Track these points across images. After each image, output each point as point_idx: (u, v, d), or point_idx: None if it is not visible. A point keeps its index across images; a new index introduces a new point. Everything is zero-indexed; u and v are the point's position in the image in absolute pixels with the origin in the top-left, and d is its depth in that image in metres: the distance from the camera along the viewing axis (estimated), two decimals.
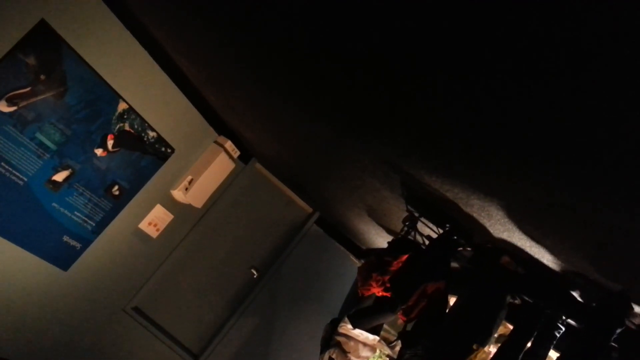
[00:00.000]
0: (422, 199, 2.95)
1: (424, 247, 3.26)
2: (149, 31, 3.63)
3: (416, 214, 3.25)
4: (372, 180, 3.19)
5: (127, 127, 4.09)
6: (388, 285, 3.00)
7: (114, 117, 3.98)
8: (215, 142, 4.85)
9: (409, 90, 1.85)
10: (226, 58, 3.08)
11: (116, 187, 4.22)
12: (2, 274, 3.77)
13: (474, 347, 2.64)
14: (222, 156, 4.77)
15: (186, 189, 4.61)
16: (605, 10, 0.96)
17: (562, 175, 1.65)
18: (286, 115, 3.36)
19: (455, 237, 2.98)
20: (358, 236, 5.30)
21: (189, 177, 4.65)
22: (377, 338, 3.71)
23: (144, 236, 4.61)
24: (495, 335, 2.83)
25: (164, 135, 4.40)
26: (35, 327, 4.13)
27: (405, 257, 3.05)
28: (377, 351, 3.86)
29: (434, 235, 3.26)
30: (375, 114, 2.30)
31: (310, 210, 5.67)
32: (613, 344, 2.34)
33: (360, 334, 3.58)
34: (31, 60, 3.39)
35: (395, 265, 3.05)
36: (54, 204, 3.85)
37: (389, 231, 4.09)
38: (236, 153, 4.97)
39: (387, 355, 3.88)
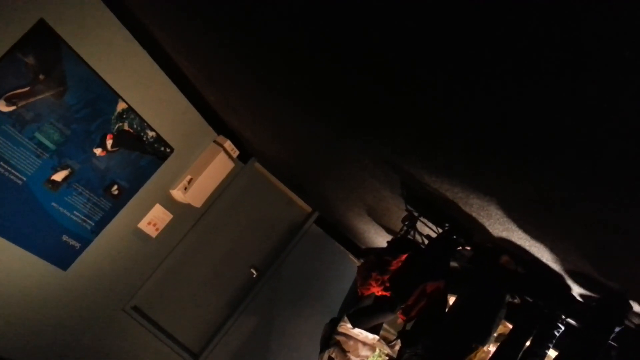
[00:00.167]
0: (422, 198, 2.95)
1: (423, 247, 3.26)
2: (149, 31, 3.63)
3: (416, 214, 3.25)
4: (371, 180, 3.19)
5: (126, 127, 4.09)
6: (387, 284, 3.01)
7: (113, 117, 3.98)
8: (215, 141, 4.85)
9: (409, 90, 1.86)
10: (226, 58, 3.08)
11: (115, 187, 4.22)
12: (2, 273, 3.77)
13: (474, 346, 2.64)
14: (222, 156, 4.77)
15: (185, 188, 4.60)
16: (605, 10, 0.96)
17: (561, 175, 1.65)
18: (286, 115, 3.36)
19: (454, 237, 2.98)
20: (357, 236, 5.31)
21: (188, 177, 4.65)
22: (377, 337, 3.72)
23: (143, 236, 4.61)
24: (495, 334, 2.83)
25: (163, 134, 4.40)
26: (35, 326, 4.12)
27: (404, 256, 3.06)
28: (377, 350, 3.87)
29: (434, 235, 3.26)
30: (375, 113, 2.30)
31: (309, 209, 5.67)
32: (612, 343, 2.35)
33: (360, 333, 3.59)
34: (30, 60, 3.38)
35: (395, 264, 3.05)
36: (53, 204, 3.85)
37: (389, 231, 4.10)
38: (235, 153, 4.97)
39: (387, 355, 3.88)
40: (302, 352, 5.45)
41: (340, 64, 2.05)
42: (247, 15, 2.24)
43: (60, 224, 3.96)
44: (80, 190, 3.97)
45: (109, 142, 4.03)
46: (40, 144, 3.60)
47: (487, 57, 1.34)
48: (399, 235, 3.51)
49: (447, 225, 3.04)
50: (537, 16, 1.09)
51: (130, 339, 4.78)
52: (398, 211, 3.41)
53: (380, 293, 3.09)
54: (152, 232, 4.66)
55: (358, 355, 3.62)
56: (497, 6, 1.14)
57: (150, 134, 4.29)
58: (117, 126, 4.03)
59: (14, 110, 3.40)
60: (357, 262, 5.40)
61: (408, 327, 3.01)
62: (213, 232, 5.17)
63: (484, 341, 2.68)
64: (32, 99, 3.47)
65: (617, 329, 2.31)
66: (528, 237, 2.34)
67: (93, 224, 4.18)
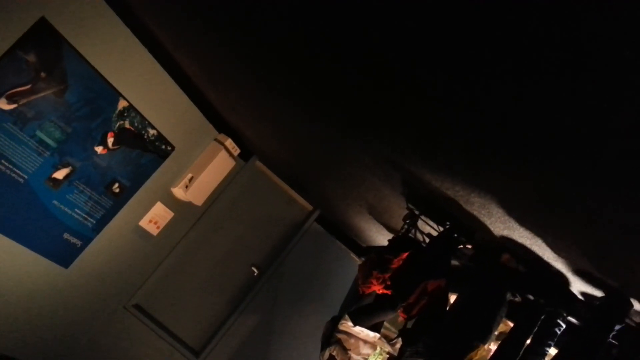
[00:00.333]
0: (423, 197, 2.95)
1: (424, 245, 3.26)
2: (149, 29, 3.63)
3: (417, 212, 3.25)
4: (372, 179, 3.19)
5: (127, 125, 4.09)
6: (388, 283, 3.01)
7: (114, 115, 3.98)
8: (216, 139, 4.85)
9: (409, 90, 1.85)
10: (226, 57, 3.08)
11: (116, 185, 4.22)
12: (3, 271, 3.78)
13: (475, 344, 2.64)
14: (223, 154, 4.77)
15: (186, 186, 4.61)
16: (606, 10, 0.96)
17: (562, 174, 1.65)
18: (286, 114, 3.36)
19: (455, 235, 2.98)
20: (358, 234, 5.31)
21: (190, 175, 4.65)
22: (378, 335, 3.72)
23: (144, 234, 4.62)
24: (496, 332, 2.83)
25: (164, 133, 4.40)
26: (36, 324, 4.13)
27: (405, 254, 3.06)
28: (378, 348, 3.87)
29: (435, 233, 3.26)
30: (375, 113, 2.30)
31: (310, 208, 5.67)
32: (613, 341, 2.35)
33: (361, 331, 3.59)
34: (31, 58, 3.38)
35: (396, 263, 3.05)
36: (54, 202, 3.85)
37: (390, 229, 4.10)
38: (236, 151, 4.97)
39: (388, 353, 3.89)
40: (303, 350, 5.46)
41: (341, 63, 2.05)
42: (247, 15, 2.24)
43: (61, 222, 3.97)
44: (81, 188, 3.97)
45: (110, 140, 4.03)
46: (41, 142, 3.61)
47: (487, 57, 1.34)
48: (400, 234, 3.51)
49: (448, 223, 3.04)
50: (537, 16, 1.09)
51: (132, 336, 4.79)
52: (399, 209, 3.41)
53: (381, 291, 3.09)
54: (153, 230, 4.67)
55: (359, 353, 3.62)
56: (497, 6, 1.14)
57: (152, 132, 4.30)
58: (118, 124, 4.03)
59: (15, 108, 3.41)
60: (358, 261, 5.40)
61: (409, 325, 3.01)
62: (214, 230, 5.18)
63: (485, 339, 2.68)
64: (33, 97, 3.47)
65: (617, 327, 2.31)
66: (529, 236, 2.34)
67: (94, 222, 4.18)
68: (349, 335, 3.61)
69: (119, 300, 4.69)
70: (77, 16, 3.50)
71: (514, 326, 2.89)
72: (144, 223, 4.58)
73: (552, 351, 2.74)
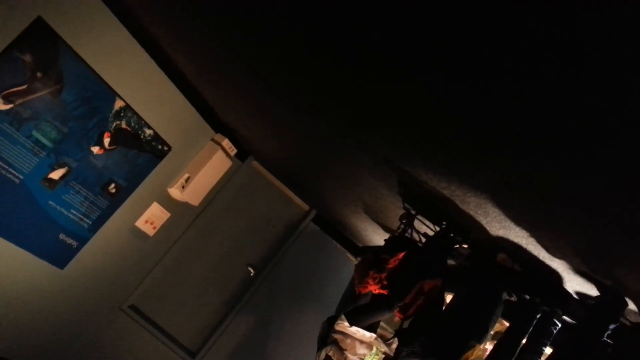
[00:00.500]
0: (419, 196, 2.96)
1: (420, 245, 3.27)
2: (147, 29, 3.62)
3: (413, 212, 3.26)
4: (369, 178, 3.20)
5: (123, 125, 4.09)
6: (385, 282, 3.01)
7: (110, 115, 3.97)
8: (212, 139, 4.85)
9: (408, 90, 1.86)
10: (225, 57, 3.08)
11: (113, 185, 4.22)
12: None
13: (471, 344, 2.65)
14: (219, 154, 4.76)
15: (183, 186, 4.60)
16: (606, 10, 0.97)
17: (559, 174, 1.67)
18: (284, 114, 3.37)
19: (451, 235, 2.99)
20: (355, 234, 5.32)
21: (186, 175, 4.64)
22: (374, 335, 3.73)
23: (140, 234, 4.61)
24: (492, 332, 2.84)
25: (160, 133, 4.40)
26: (31, 325, 4.12)
27: (402, 254, 3.06)
28: (374, 348, 3.88)
29: (431, 233, 3.27)
30: (374, 113, 2.30)
31: (307, 208, 5.68)
32: (607, 340, 2.36)
33: (357, 331, 3.60)
34: (28, 58, 3.38)
35: (392, 262, 3.06)
36: (50, 202, 3.84)
37: (386, 229, 4.11)
38: (233, 151, 4.97)
39: (384, 353, 3.89)
40: (300, 350, 5.46)
41: (340, 63, 2.05)
42: (247, 15, 2.24)
43: (57, 223, 3.95)
44: (77, 188, 3.96)
45: (107, 140, 4.02)
46: (37, 142, 3.60)
47: (487, 57, 1.35)
48: (396, 234, 3.52)
49: (444, 223, 3.05)
50: (537, 16, 1.10)
51: (128, 337, 4.78)
52: (396, 209, 3.42)
53: (377, 291, 3.09)
54: (150, 230, 4.66)
55: (355, 354, 3.63)
56: (497, 6, 1.15)
57: (148, 132, 4.29)
58: (114, 124, 4.02)
59: (11, 109, 3.40)
60: (354, 261, 5.40)
61: (405, 325, 3.02)
62: (211, 230, 5.17)
63: (481, 339, 2.70)
64: (29, 97, 3.46)
65: (612, 327, 2.32)
66: (525, 235, 2.36)
67: (90, 223, 4.17)
68: (345, 335, 3.62)
69: (115, 301, 4.68)
70: (74, 16, 3.50)
71: (510, 325, 2.90)
72: (140, 223, 4.57)
73: (548, 350, 2.75)
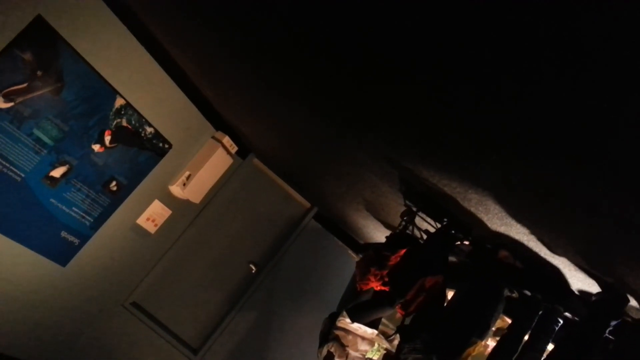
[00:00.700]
0: (420, 193, 2.96)
1: (422, 242, 3.27)
2: (147, 27, 3.62)
3: (414, 209, 3.26)
4: (370, 175, 3.20)
5: (124, 123, 4.09)
6: (386, 279, 3.02)
7: (111, 113, 3.98)
8: (213, 137, 4.85)
9: (408, 89, 1.86)
10: (225, 56, 3.08)
11: (114, 183, 4.22)
12: (1, 270, 3.77)
13: (472, 340, 2.66)
14: (220, 151, 4.77)
15: (184, 184, 4.61)
16: (606, 10, 0.96)
17: (559, 172, 1.66)
18: (285, 112, 3.37)
19: (453, 232, 2.99)
20: (356, 231, 5.32)
21: (187, 173, 4.65)
22: (376, 332, 3.74)
23: (142, 232, 4.62)
24: (493, 328, 2.85)
25: (161, 130, 4.40)
26: (33, 322, 4.13)
27: (403, 251, 3.07)
28: (375, 345, 3.89)
29: (432, 230, 3.27)
30: (375, 111, 2.30)
31: (308, 205, 5.68)
32: (609, 336, 2.36)
33: (359, 327, 3.61)
34: (28, 56, 3.38)
35: (394, 259, 3.06)
36: (51, 200, 3.85)
37: (387, 226, 4.11)
38: (234, 148, 4.97)
39: (385, 349, 3.90)
40: (301, 346, 5.47)
41: (340, 63, 2.05)
42: (247, 15, 2.24)
43: (58, 220, 3.97)
44: (78, 186, 3.97)
45: (107, 138, 4.03)
46: (38, 140, 3.60)
47: (487, 57, 1.35)
48: (397, 231, 3.51)
49: (445, 220, 3.05)
50: (536, 15, 1.10)
51: (130, 334, 4.80)
52: (397, 206, 3.42)
53: (379, 288, 3.10)
54: (151, 228, 4.67)
55: (357, 350, 3.64)
56: (496, 6, 1.14)
57: (149, 130, 4.29)
58: (115, 122, 4.03)
59: (12, 107, 3.40)
60: (355, 258, 5.42)
61: (407, 321, 3.02)
62: (212, 228, 5.18)
63: (482, 335, 2.70)
64: (29, 95, 3.46)
65: (613, 323, 2.32)
66: (526, 232, 2.36)
67: (92, 220, 4.18)
68: (347, 331, 3.63)
69: (117, 298, 4.69)
70: (73, 14, 3.50)
71: (512, 323, 2.90)
72: (141, 221, 4.58)
73: (550, 347, 2.76)
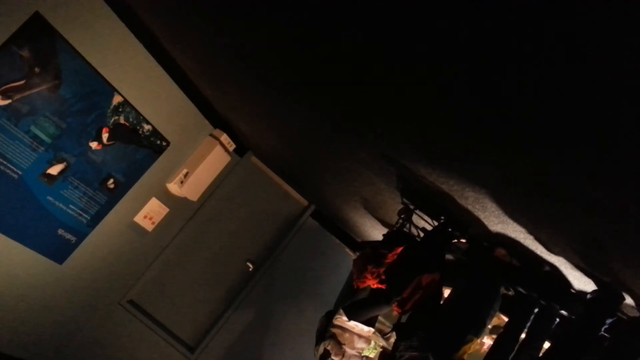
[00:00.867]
0: (418, 191, 2.96)
1: (419, 240, 3.27)
2: (145, 24, 3.62)
3: (411, 207, 3.27)
4: (368, 173, 3.20)
5: (122, 120, 4.09)
6: (383, 277, 3.02)
7: (109, 110, 3.97)
8: (211, 135, 4.85)
9: (407, 84, 1.86)
10: (223, 53, 3.08)
11: (111, 181, 4.22)
12: None
13: (468, 338, 2.66)
14: (218, 149, 4.77)
15: (182, 182, 4.61)
16: (606, 10, 0.97)
17: (556, 170, 1.67)
18: (283, 109, 3.37)
19: (450, 230, 3.00)
20: (353, 229, 5.32)
21: (185, 170, 4.65)
22: (372, 330, 3.74)
23: (139, 229, 4.61)
24: (489, 326, 2.85)
25: (159, 128, 4.40)
26: (30, 320, 4.13)
27: (400, 249, 3.07)
28: (372, 343, 3.89)
29: (429, 228, 3.28)
30: (373, 108, 2.30)
31: (305, 203, 5.68)
32: (604, 334, 2.37)
33: (355, 325, 3.61)
34: (25, 53, 3.37)
35: (391, 257, 3.06)
36: (48, 198, 3.85)
37: (385, 224, 4.11)
38: (232, 146, 4.97)
39: (382, 347, 3.90)
40: (298, 344, 5.48)
41: (339, 59, 2.05)
42: (245, 11, 2.24)
43: (55, 218, 3.96)
44: (76, 183, 3.97)
45: (105, 136, 4.03)
46: (35, 138, 3.60)
47: (487, 56, 1.35)
48: (394, 228, 3.52)
49: (442, 218, 3.05)
50: (535, 15, 1.10)
51: (127, 332, 4.79)
52: (394, 204, 3.42)
53: (375, 286, 3.10)
54: (148, 225, 4.67)
55: (353, 348, 3.64)
56: (495, 5, 1.15)
57: (146, 127, 4.29)
58: (112, 119, 4.02)
59: (9, 104, 3.40)
60: (353, 255, 5.42)
61: (403, 319, 3.03)
62: (209, 225, 5.18)
63: (478, 333, 2.70)
64: (27, 92, 3.46)
65: (609, 321, 2.33)
66: (523, 230, 2.36)
67: (89, 218, 4.18)
68: (344, 329, 3.64)
69: (114, 296, 4.69)
70: (71, 11, 3.49)
71: (508, 321, 2.91)
72: (138, 219, 4.57)
73: (546, 345, 2.76)
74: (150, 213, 4.63)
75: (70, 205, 4.00)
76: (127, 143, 4.20)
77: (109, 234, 4.39)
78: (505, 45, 1.27)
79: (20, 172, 3.61)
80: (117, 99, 3.98)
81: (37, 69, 3.45)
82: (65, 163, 3.84)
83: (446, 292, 3.09)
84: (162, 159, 4.53)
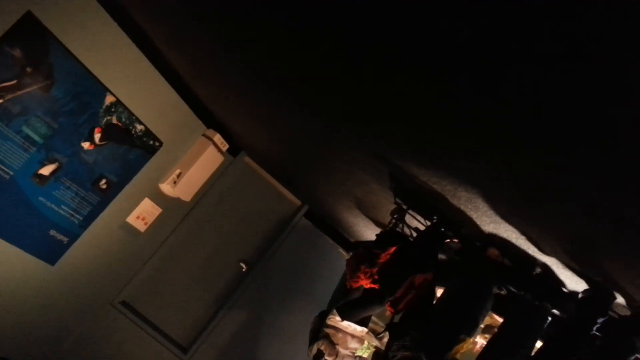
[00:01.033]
0: (411, 191, 2.97)
1: (411, 239, 3.28)
2: (138, 23, 3.61)
3: (404, 207, 3.28)
4: (361, 173, 3.21)
5: (114, 120, 4.07)
6: (376, 277, 3.02)
7: (101, 110, 3.96)
8: (204, 135, 4.84)
9: (407, 84, 1.86)
10: (217, 52, 3.07)
11: (104, 181, 4.20)
12: None
13: (461, 337, 2.67)
14: (211, 149, 4.76)
15: (174, 182, 4.59)
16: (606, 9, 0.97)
17: (554, 170, 1.68)
18: (277, 109, 3.36)
19: (442, 229, 3.01)
20: (347, 229, 5.33)
21: (178, 171, 4.63)
22: (365, 330, 3.74)
23: (132, 230, 4.60)
24: (482, 325, 2.86)
25: (151, 128, 4.38)
26: (22, 322, 4.10)
27: (393, 249, 3.07)
28: (365, 343, 3.89)
29: (422, 228, 3.28)
30: (367, 108, 2.31)
31: (299, 203, 5.68)
32: (596, 332, 2.39)
33: (349, 325, 3.61)
34: (17, 53, 3.35)
35: (384, 257, 3.07)
36: (40, 198, 3.82)
37: (378, 224, 4.12)
38: (225, 146, 4.96)
39: (375, 347, 3.91)
40: (292, 345, 5.47)
41: (336, 59, 2.05)
42: (240, 9, 2.23)
43: (47, 219, 3.94)
44: (68, 184, 3.95)
45: (97, 136, 4.01)
46: (27, 138, 3.58)
47: (487, 57, 1.36)
48: (387, 228, 3.53)
49: (435, 218, 3.06)
50: (533, 13, 1.10)
51: (119, 333, 4.77)
52: (387, 204, 3.43)
53: (368, 286, 3.11)
54: (141, 226, 4.65)
55: (347, 348, 3.65)
56: (495, 5, 1.15)
57: (139, 127, 4.28)
58: (105, 120, 4.01)
59: (0, 104, 3.38)
60: (346, 255, 5.42)
61: (396, 319, 3.03)
62: (202, 226, 5.17)
63: (471, 332, 2.71)
64: (19, 92, 3.44)
65: (600, 320, 2.35)
66: (514, 230, 2.37)
67: (81, 219, 4.16)
68: (337, 329, 3.64)
69: (107, 297, 4.67)
70: (63, 10, 3.48)
71: (503, 321, 2.91)
72: (131, 219, 4.56)
73: (538, 344, 2.77)
74: (142, 213, 4.62)
75: (62, 206, 3.98)
76: (119, 143, 4.19)
77: (101, 235, 4.37)
78: (505, 45, 1.27)
79: (11, 173, 3.59)
80: (109, 99, 3.97)
81: (28, 69, 3.43)
82: (57, 163, 3.82)
83: (439, 292, 3.10)
84: (154, 159, 4.51)
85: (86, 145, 3.96)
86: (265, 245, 5.50)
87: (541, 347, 2.60)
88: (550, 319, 2.73)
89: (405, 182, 2.86)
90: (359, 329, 3.66)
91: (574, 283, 2.48)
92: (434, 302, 2.96)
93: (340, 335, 3.61)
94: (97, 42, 3.72)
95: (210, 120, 4.88)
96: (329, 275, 5.54)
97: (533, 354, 2.64)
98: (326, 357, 3.59)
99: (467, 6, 1.22)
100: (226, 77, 3.46)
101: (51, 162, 3.78)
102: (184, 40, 3.31)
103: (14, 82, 3.39)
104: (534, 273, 2.65)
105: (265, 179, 5.51)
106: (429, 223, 3.16)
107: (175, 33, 3.30)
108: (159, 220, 4.77)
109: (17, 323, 4.06)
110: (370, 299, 3.13)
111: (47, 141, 3.69)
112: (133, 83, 4.08)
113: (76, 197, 4.05)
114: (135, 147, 4.32)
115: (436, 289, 3.03)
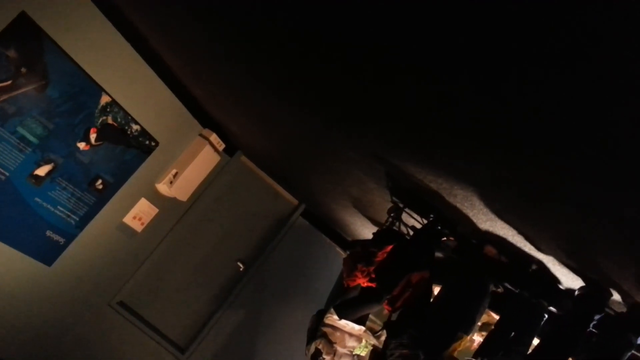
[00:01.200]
0: (407, 190, 2.98)
1: (408, 238, 3.29)
2: (133, 24, 3.60)
3: (401, 205, 3.28)
4: (357, 172, 3.21)
5: (110, 121, 4.06)
6: (373, 275, 3.03)
7: (96, 111, 3.94)
8: (200, 134, 4.83)
9: (406, 85, 1.86)
10: (213, 51, 3.06)
11: (100, 181, 4.19)
12: None
13: (458, 335, 2.68)
14: (207, 149, 4.75)
15: (171, 182, 4.59)
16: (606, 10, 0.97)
17: (549, 171, 1.68)
18: (273, 108, 3.36)
19: (439, 227, 3.01)
20: (344, 228, 5.33)
21: (174, 171, 4.62)
22: (363, 328, 3.74)
23: (128, 230, 4.59)
24: (479, 323, 2.87)
25: (147, 128, 4.37)
26: (19, 323, 4.09)
27: (390, 247, 3.08)
28: (363, 341, 3.89)
29: (419, 226, 3.29)
30: (364, 108, 2.31)
31: (296, 202, 5.68)
32: (592, 329, 2.39)
33: (346, 324, 3.61)
34: (12, 53, 3.34)
35: (380, 255, 3.08)
36: (36, 199, 3.81)
37: (374, 222, 4.12)
38: (221, 146, 4.95)
39: (373, 345, 3.91)
40: (289, 344, 5.48)
41: (334, 58, 2.04)
42: (236, 9, 2.23)
43: (44, 219, 3.92)
44: (64, 184, 3.93)
45: (93, 136, 4.00)
46: (22, 139, 3.56)
47: (487, 57, 1.36)
48: (384, 227, 3.53)
49: (431, 216, 3.07)
50: (534, 13, 1.10)
51: (117, 334, 4.77)
52: (383, 203, 3.43)
53: (366, 284, 3.11)
54: (138, 226, 4.64)
55: (344, 346, 3.65)
56: (492, 5, 1.15)
57: (135, 127, 4.27)
58: (100, 120, 3.99)
59: None
60: (343, 254, 5.43)
61: (394, 317, 3.04)
62: (199, 226, 5.16)
63: (468, 330, 2.72)
64: (14, 93, 3.42)
65: (597, 317, 2.36)
66: (511, 228, 2.38)
67: (77, 219, 4.15)
68: (335, 328, 3.63)
69: (103, 297, 4.66)
70: (58, 10, 3.46)
71: (499, 318, 2.92)
72: (128, 219, 4.55)
73: (535, 341, 2.78)
74: (139, 214, 4.61)
75: (59, 207, 3.97)
76: (115, 143, 4.18)
77: (97, 235, 4.36)
78: (505, 45, 1.27)
79: (7, 174, 3.57)
80: (105, 99, 3.95)
81: (23, 69, 3.42)
82: (52, 164, 3.81)
83: (436, 290, 3.11)
84: (151, 159, 4.50)
85: (82, 145, 3.95)
86: (263, 245, 5.49)
87: (538, 344, 2.61)
88: (546, 316, 2.74)
89: (402, 181, 2.87)
90: (357, 328, 3.66)
91: (570, 280, 2.49)
92: (431, 300, 2.97)
93: (338, 334, 3.61)
94: (92, 42, 3.71)
95: (206, 119, 4.87)
96: (326, 274, 5.55)
97: (530, 351, 2.65)
98: (324, 356, 3.59)
99: (467, 6, 1.21)
100: (223, 76, 3.46)
101: (47, 162, 3.77)
102: (180, 39, 3.30)
103: (8, 82, 3.38)
104: (531, 271, 2.65)
105: (262, 178, 5.51)
106: (425, 221, 3.17)
107: (171, 33, 3.29)
108: (155, 220, 4.76)
109: (13, 324, 4.05)
110: (367, 297, 3.14)
111: (43, 142, 3.68)
112: (128, 83, 4.07)
113: (72, 198, 4.03)
114: (131, 147, 4.31)
115: (433, 287, 3.03)
